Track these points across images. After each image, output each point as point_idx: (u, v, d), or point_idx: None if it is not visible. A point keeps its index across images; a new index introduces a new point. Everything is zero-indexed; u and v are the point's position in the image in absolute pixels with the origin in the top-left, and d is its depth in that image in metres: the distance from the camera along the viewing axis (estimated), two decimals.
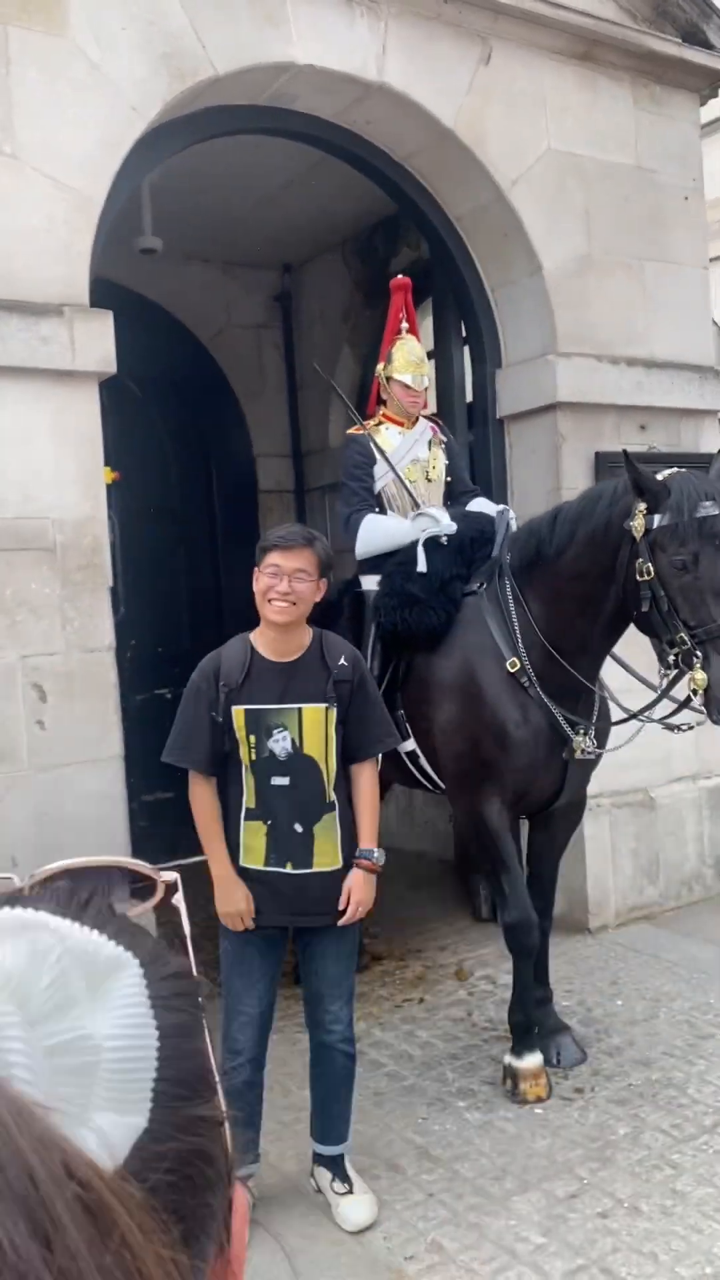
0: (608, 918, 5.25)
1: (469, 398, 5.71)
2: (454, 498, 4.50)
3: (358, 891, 3.04)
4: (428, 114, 4.79)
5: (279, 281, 7.69)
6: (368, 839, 3.08)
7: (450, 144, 4.92)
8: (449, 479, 4.55)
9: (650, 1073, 3.79)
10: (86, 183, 3.97)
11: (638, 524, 3.28)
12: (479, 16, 4.86)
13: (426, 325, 6.27)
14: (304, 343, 7.71)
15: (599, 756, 3.80)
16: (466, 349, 5.69)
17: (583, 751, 3.60)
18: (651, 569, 3.26)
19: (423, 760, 4.00)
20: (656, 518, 3.25)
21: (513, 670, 3.62)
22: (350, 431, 4.62)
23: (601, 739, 3.76)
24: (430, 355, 5.54)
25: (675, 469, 3.42)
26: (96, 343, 3.93)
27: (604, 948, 5.03)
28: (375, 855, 3.07)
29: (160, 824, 7.20)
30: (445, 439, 4.67)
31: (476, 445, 5.56)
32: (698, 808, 5.66)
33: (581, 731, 3.60)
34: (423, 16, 4.72)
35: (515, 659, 3.61)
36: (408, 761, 4.08)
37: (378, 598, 4.09)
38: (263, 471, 7.63)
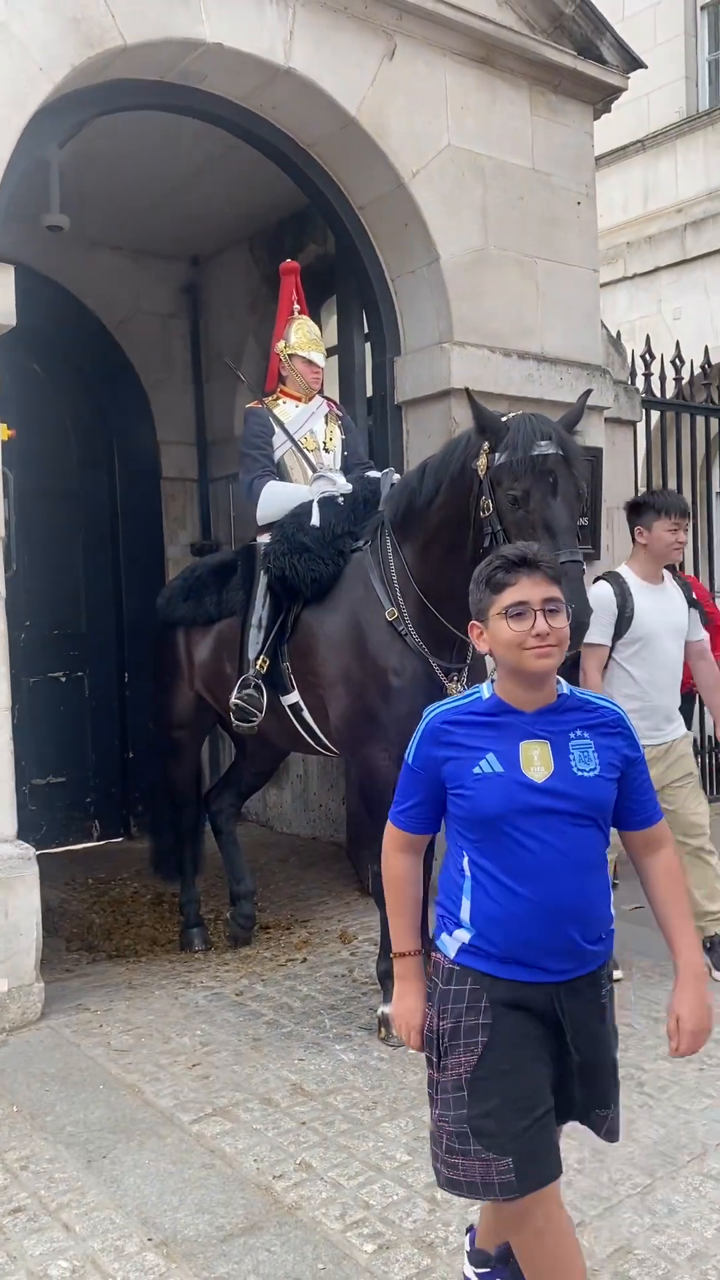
0: None
1: (369, 387, 5.88)
2: (350, 470, 4.64)
3: None
4: (333, 102, 4.95)
5: (188, 272, 7.77)
6: None
7: (354, 133, 5.08)
8: (345, 453, 4.70)
9: None
10: None
11: (481, 463, 3.39)
12: (385, 12, 5.05)
13: (331, 321, 6.44)
14: (211, 334, 7.80)
15: None
16: (368, 344, 5.87)
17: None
18: (490, 505, 3.36)
19: (306, 714, 4.10)
20: (497, 456, 3.33)
21: (391, 619, 3.74)
22: (249, 405, 4.74)
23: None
24: (333, 350, 5.72)
25: (520, 412, 3.51)
26: None
27: None
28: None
29: (51, 810, 7.17)
30: (341, 415, 4.82)
31: (375, 430, 5.72)
32: None
33: (455, 679, 3.72)
34: (330, 7, 4.89)
35: (394, 608, 3.74)
36: (291, 716, 4.17)
37: (268, 546, 4.20)
38: (166, 459, 7.67)
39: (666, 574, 4.33)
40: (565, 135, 5.84)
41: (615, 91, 5.99)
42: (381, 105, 5.10)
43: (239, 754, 5.31)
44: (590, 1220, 2.66)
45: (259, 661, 4.11)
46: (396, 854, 2.23)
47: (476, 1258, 2.35)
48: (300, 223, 6.85)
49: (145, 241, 7.34)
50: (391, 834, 2.21)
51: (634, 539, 4.31)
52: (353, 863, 5.96)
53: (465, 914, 2.03)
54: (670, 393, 6.90)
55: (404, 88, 5.18)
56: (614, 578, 4.23)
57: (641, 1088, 3.36)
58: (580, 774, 2.01)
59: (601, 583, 4.20)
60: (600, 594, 4.12)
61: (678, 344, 7.10)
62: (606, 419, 6.14)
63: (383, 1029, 3.78)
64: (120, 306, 7.46)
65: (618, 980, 3.93)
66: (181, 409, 7.75)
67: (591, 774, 2.02)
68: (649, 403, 6.69)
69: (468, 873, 2.04)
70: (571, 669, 3.96)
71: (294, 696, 4.12)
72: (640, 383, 6.63)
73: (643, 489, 6.80)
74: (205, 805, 5.17)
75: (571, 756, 2.01)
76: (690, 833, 4.24)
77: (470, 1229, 2.37)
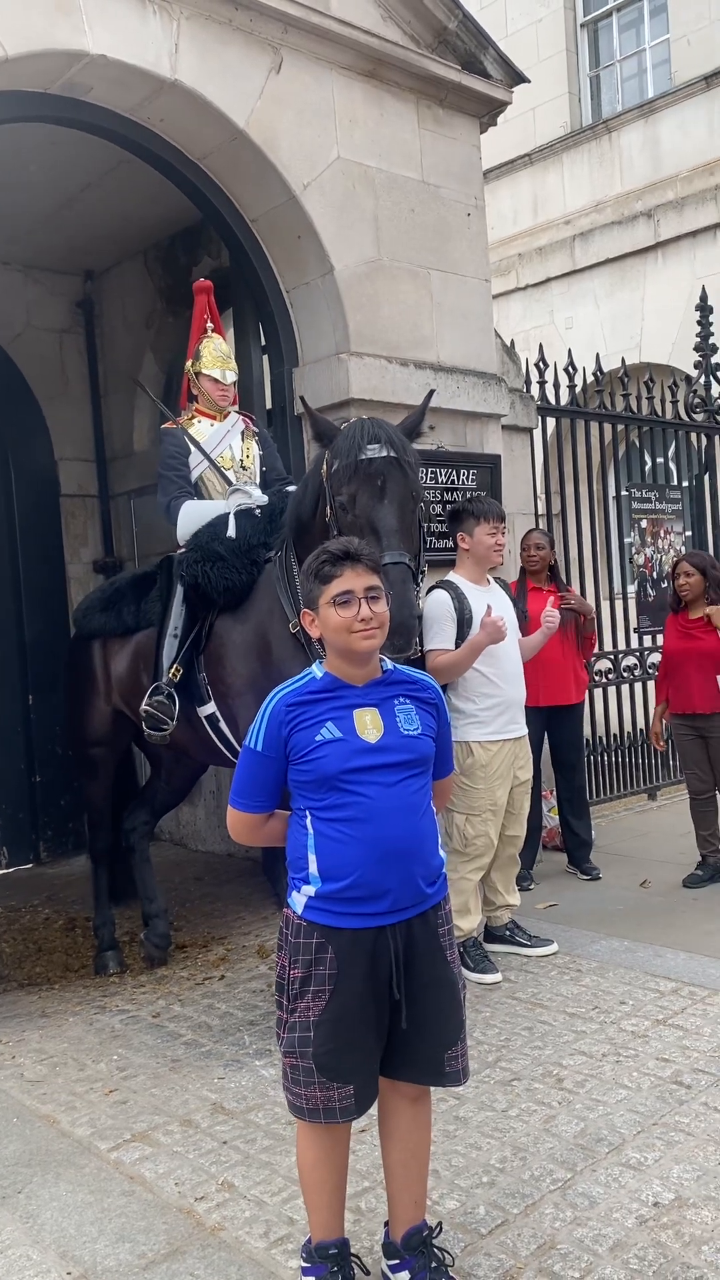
0: None
1: (269, 399, 5.87)
2: (269, 485, 4.63)
3: None
4: (221, 114, 4.95)
5: (82, 287, 7.67)
6: None
7: (243, 146, 5.08)
8: (264, 469, 4.69)
9: None
10: None
11: (324, 470, 3.45)
12: (270, 26, 5.07)
13: (229, 335, 6.42)
14: (108, 348, 7.71)
15: None
16: (266, 357, 5.87)
17: None
18: (330, 510, 3.41)
19: (223, 724, 4.07)
20: (334, 463, 3.39)
21: (294, 631, 3.74)
22: (164, 426, 4.72)
23: None
24: None
25: (360, 417, 3.55)
26: None
27: None
28: None
29: None
30: (258, 431, 4.81)
31: (276, 440, 5.69)
32: None
33: None
34: (215, 20, 4.89)
35: (295, 621, 3.74)
36: (208, 727, 4.13)
37: (182, 554, 4.17)
38: (65, 475, 7.54)
39: (489, 576, 4.54)
40: (453, 148, 5.94)
41: (500, 105, 6.11)
42: (270, 118, 5.11)
43: (153, 771, 5.23)
44: (513, 1218, 2.68)
45: (172, 669, 4.07)
46: (256, 831, 2.43)
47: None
48: (194, 236, 6.82)
49: (36, 256, 7.23)
50: (245, 819, 2.41)
51: (456, 545, 4.49)
52: (269, 877, 5.92)
53: (313, 867, 2.27)
54: (565, 400, 7.05)
55: (293, 101, 5.20)
56: (447, 584, 4.39)
57: (560, 1084, 3.40)
58: (406, 733, 2.31)
59: (438, 590, 4.35)
60: (438, 600, 4.30)
61: (570, 352, 7.25)
62: (504, 426, 6.24)
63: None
64: (12, 322, 7.32)
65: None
66: (80, 425, 7.64)
67: (415, 732, 2.33)
68: (544, 410, 6.82)
69: (310, 830, 2.29)
70: None
71: (210, 707, 4.08)
72: (535, 391, 6.75)
73: (541, 495, 6.93)
74: (118, 824, 5.08)
75: (398, 719, 2.32)
76: (520, 834, 4.56)
77: (306, 1242, 2.46)
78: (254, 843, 2.49)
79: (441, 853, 2.42)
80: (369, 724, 2.28)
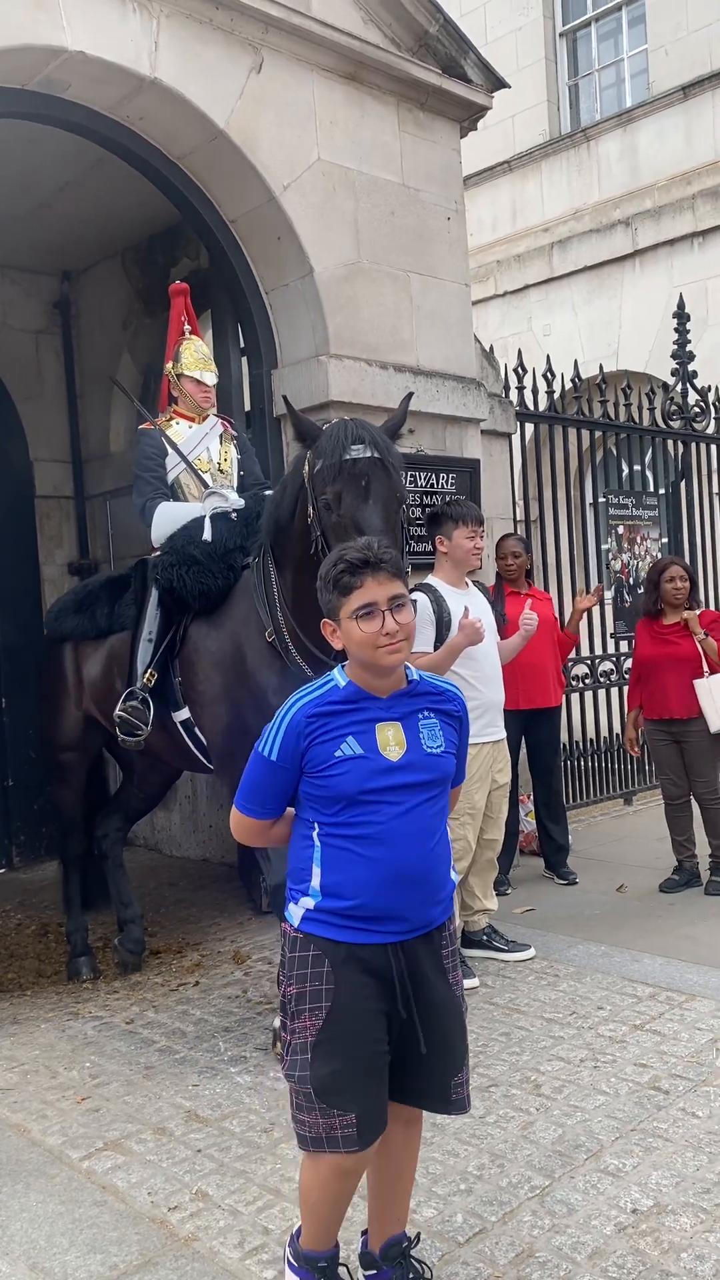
0: None
1: (247, 401, 5.84)
2: (246, 489, 4.59)
3: None
4: (200, 114, 4.92)
5: (59, 288, 7.61)
6: None
7: (223, 145, 5.05)
8: (242, 473, 4.65)
9: None
10: None
11: (306, 471, 3.40)
12: (251, 26, 5.04)
13: (207, 336, 6.38)
14: (85, 349, 7.65)
15: None
16: (245, 359, 5.84)
17: None
18: (312, 511, 3.37)
19: (198, 730, 4.02)
20: (316, 462, 3.35)
21: (270, 639, 3.70)
22: (142, 427, 4.67)
23: None
24: None
25: (341, 418, 3.51)
26: None
27: None
28: None
29: None
30: (236, 435, 4.77)
31: (255, 442, 5.65)
32: None
33: None
34: (195, 19, 4.86)
35: (271, 628, 3.69)
36: (183, 732, 4.08)
37: (158, 558, 4.12)
38: (40, 476, 7.47)
39: (467, 579, 4.53)
40: (433, 152, 5.93)
41: (480, 110, 6.11)
42: (250, 118, 5.09)
43: (126, 777, 5.17)
44: (491, 1226, 2.65)
45: (147, 674, 4.02)
46: (263, 835, 2.30)
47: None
48: (173, 237, 6.78)
49: (12, 256, 7.16)
50: (252, 825, 2.27)
51: (435, 549, 4.48)
52: (244, 883, 5.87)
53: (315, 881, 2.14)
54: (543, 406, 7.05)
55: (273, 101, 5.18)
56: (427, 588, 4.38)
57: (538, 1090, 3.38)
58: (430, 751, 2.18)
59: (417, 593, 4.32)
60: (418, 604, 4.24)
61: (548, 358, 7.26)
62: (483, 431, 6.23)
63: (277, 1043, 3.71)
64: None
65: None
66: (56, 426, 7.58)
67: (439, 750, 2.20)
68: (523, 415, 6.82)
69: (317, 843, 2.15)
70: None
71: (185, 712, 4.04)
72: (514, 396, 6.75)
73: (520, 501, 6.93)
74: (91, 830, 5.02)
75: (421, 735, 2.18)
76: (498, 838, 4.58)
77: (293, 1236, 2.34)
78: (260, 844, 2.38)
79: (453, 875, 2.30)
80: (391, 740, 2.14)
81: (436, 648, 4.21)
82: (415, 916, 2.16)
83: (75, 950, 4.81)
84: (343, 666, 2.23)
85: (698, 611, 5.38)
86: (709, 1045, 3.61)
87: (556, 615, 6.08)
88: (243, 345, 5.80)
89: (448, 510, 4.47)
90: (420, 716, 2.20)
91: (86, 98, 4.80)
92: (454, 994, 2.27)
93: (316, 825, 2.16)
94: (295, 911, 2.18)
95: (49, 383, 7.57)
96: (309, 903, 2.16)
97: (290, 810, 2.27)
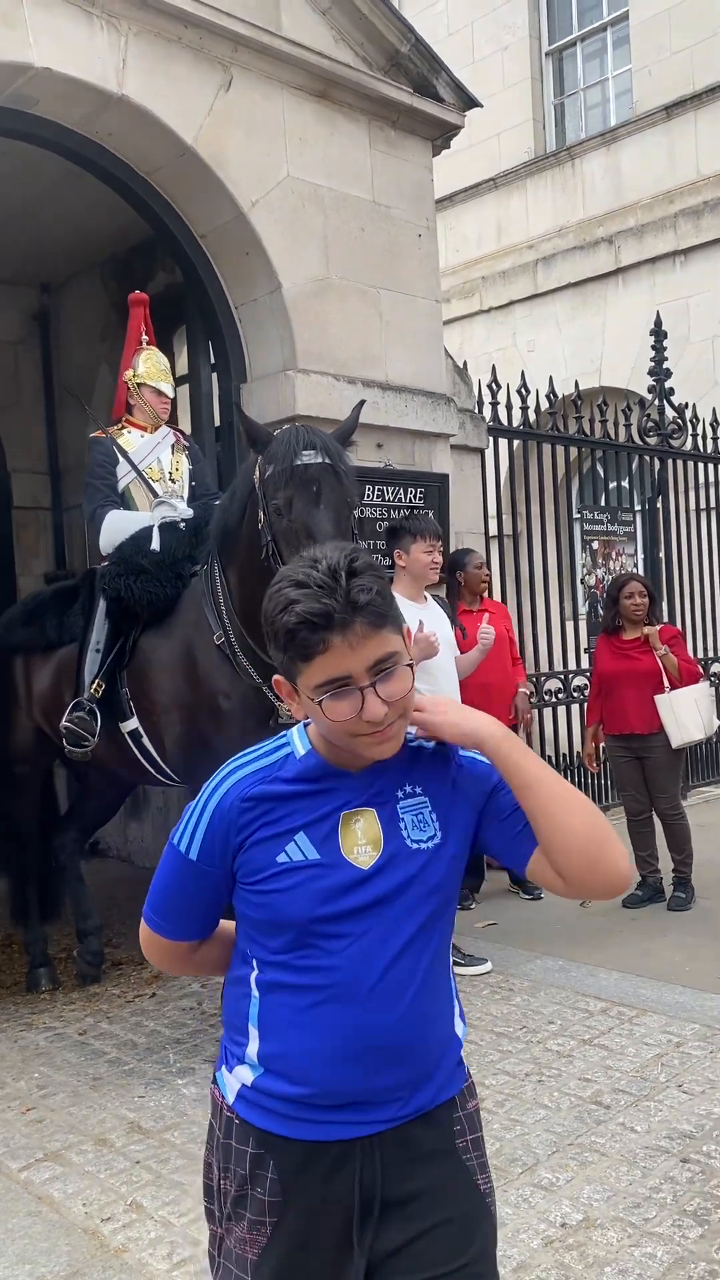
0: None
1: (217, 414, 5.87)
2: (197, 499, 4.62)
3: None
4: (169, 130, 4.96)
5: (37, 300, 7.66)
6: None
7: (192, 162, 5.10)
8: (193, 483, 4.67)
9: None
10: None
11: (256, 476, 3.42)
12: (220, 45, 5.09)
13: (183, 349, 6.42)
14: (63, 361, 7.69)
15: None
16: (215, 374, 5.87)
17: (288, 717, 3.72)
18: (263, 516, 3.39)
19: (145, 740, 4.03)
20: (268, 468, 3.38)
21: (219, 643, 3.72)
22: (93, 435, 4.69)
23: None
24: (183, 379, 5.71)
25: (291, 425, 3.53)
26: None
27: None
28: None
29: None
30: (189, 445, 4.80)
31: (224, 456, 5.70)
32: None
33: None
34: (164, 37, 4.91)
35: (220, 631, 3.71)
36: (131, 743, 4.09)
37: (105, 567, 4.14)
38: (17, 487, 7.51)
39: (425, 593, 4.56)
40: (404, 169, 5.98)
41: (453, 128, 6.16)
42: (219, 135, 5.13)
43: (80, 788, 5.18)
44: None
45: (94, 685, 4.04)
46: (181, 961, 1.58)
47: None
48: (150, 251, 6.82)
49: None
50: (163, 947, 1.55)
51: (393, 563, 4.50)
52: None
53: (252, 1048, 1.44)
54: (518, 421, 7.09)
55: (242, 119, 5.23)
56: None
57: (481, 1103, 3.37)
58: (416, 846, 1.43)
59: None
60: None
61: (523, 374, 7.31)
62: (453, 446, 6.26)
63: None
64: None
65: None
66: (33, 437, 7.61)
67: (430, 843, 1.44)
68: (496, 431, 6.86)
69: (255, 993, 1.44)
70: None
71: (133, 723, 4.05)
72: (488, 412, 6.79)
73: (493, 516, 6.96)
74: (47, 842, 5.02)
75: (402, 824, 1.44)
76: None
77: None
78: (184, 973, 1.71)
79: (458, 1030, 1.54)
80: (360, 835, 1.41)
81: None
82: (401, 1098, 1.43)
83: (34, 961, 4.81)
84: (303, 727, 1.50)
85: (658, 627, 5.41)
86: (654, 1060, 3.62)
87: (512, 632, 6.05)
88: (213, 359, 5.84)
89: (406, 525, 4.50)
90: (400, 794, 1.45)
91: (55, 113, 4.84)
92: (484, 1201, 1.50)
93: (254, 967, 1.45)
94: (229, 1081, 1.48)
95: (27, 394, 7.61)
96: (246, 1075, 1.45)
97: (228, 927, 1.56)
